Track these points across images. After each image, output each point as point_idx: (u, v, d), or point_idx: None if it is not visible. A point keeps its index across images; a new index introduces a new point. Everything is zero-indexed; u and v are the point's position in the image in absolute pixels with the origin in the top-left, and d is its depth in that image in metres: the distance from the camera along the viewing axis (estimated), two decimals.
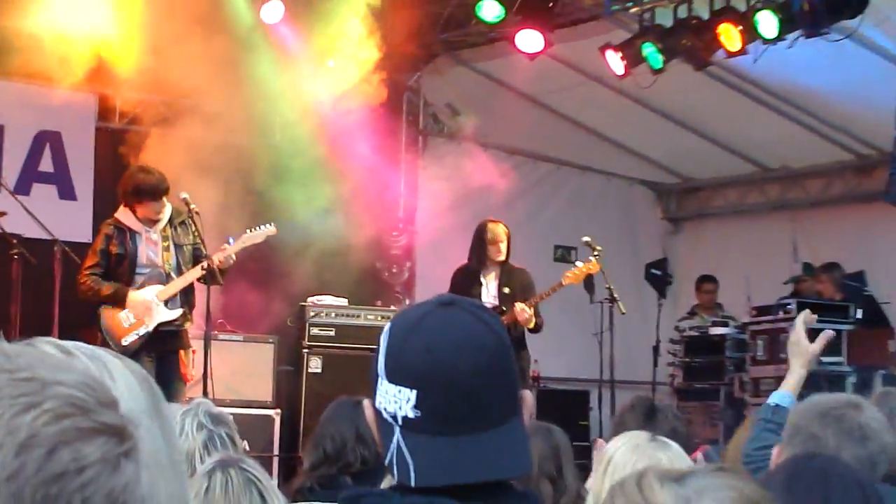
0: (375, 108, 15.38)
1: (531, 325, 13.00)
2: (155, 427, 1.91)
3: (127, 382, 1.93)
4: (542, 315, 13.15)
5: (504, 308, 12.92)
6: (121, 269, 11.73)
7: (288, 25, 14.94)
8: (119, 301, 11.66)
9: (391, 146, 16.48)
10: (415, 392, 2.53)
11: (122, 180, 12.14)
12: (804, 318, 6.04)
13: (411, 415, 2.53)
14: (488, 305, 12.65)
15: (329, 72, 15.01)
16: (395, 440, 2.55)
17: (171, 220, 11.84)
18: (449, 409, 2.52)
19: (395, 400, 2.55)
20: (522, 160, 17.95)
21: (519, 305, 12.89)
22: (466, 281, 13.26)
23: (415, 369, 2.54)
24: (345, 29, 14.63)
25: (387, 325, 2.66)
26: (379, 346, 2.63)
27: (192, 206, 11.75)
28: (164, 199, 11.81)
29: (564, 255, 17.33)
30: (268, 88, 14.84)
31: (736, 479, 1.80)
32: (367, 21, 14.58)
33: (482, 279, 13.27)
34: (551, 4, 14.59)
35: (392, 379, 2.56)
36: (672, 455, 4.39)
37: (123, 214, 11.80)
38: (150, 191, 11.80)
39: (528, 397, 2.70)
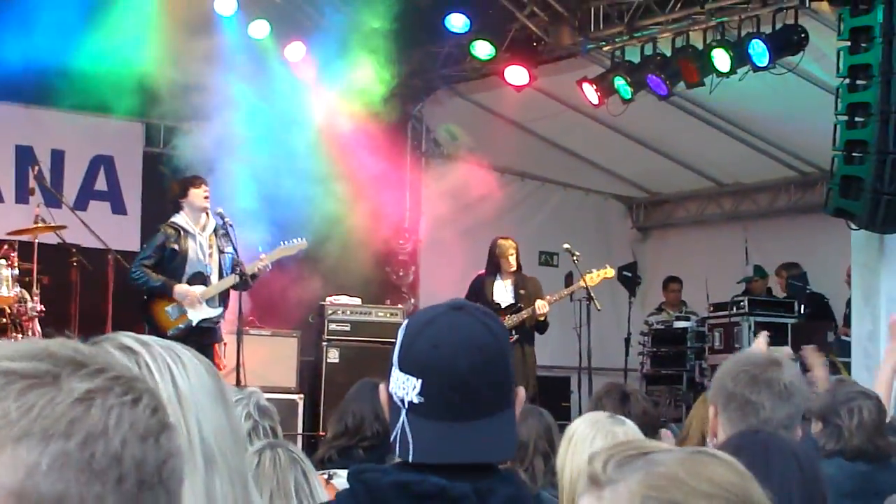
0: (385, 133, 15.42)
1: (542, 318, 13.21)
2: (220, 409, 1.99)
3: (197, 370, 1.97)
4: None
5: (521, 305, 13.18)
6: (174, 263, 11.56)
7: (309, 62, 14.98)
8: (166, 293, 11.52)
9: (398, 166, 16.50)
10: (420, 381, 2.56)
11: (170, 190, 12.14)
12: (763, 341, 6.13)
13: (416, 400, 2.57)
14: (507, 303, 12.89)
15: (345, 102, 15.03)
16: (401, 421, 2.59)
17: (215, 231, 11.78)
18: (447, 398, 2.55)
19: (404, 386, 2.59)
20: (511, 178, 17.96)
21: (540, 302, 13.09)
22: (484, 286, 13.43)
23: (421, 362, 2.58)
24: (358, 65, 14.66)
25: (405, 322, 2.71)
26: (396, 339, 2.67)
27: (227, 219, 11.72)
28: (205, 187, 11.74)
29: (548, 259, 17.35)
30: (291, 115, 14.86)
31: (695, 456, 1.72)
32: (378, 58, 14.61)
33: (500, 284, 13.41)
34: (535, 44, 14.65)
35: (403, 368, 2.60)
36: (626, 429, 4.40)
37: (179, 218, 11.69)
38: (191, 180, 11.89)
39: (521, 393, 2.73)
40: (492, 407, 2.58)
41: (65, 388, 1.21)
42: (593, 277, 13.56)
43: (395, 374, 2.62)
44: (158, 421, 1.28)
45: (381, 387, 2.69)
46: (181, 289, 11.53)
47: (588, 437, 4.31)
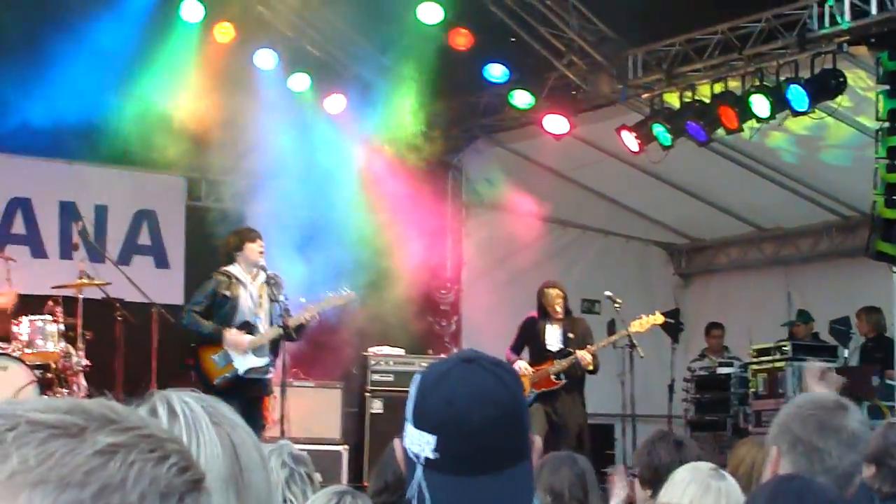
0: (425, 183, 15.49)
1: (591, 367, 13.31)
2: (232, 498, 1.92)
3: (208, 455, 1.91)
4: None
5: (570, 350, 13.26)
6: (224, 310, 11.50)
7: (349, 114, 15.07)
8: (216, 340, 11.44)
9: (439, 216, 16.54)
10: (435, 437, 2.55)
11: (225, 242, 12.02)
12: (812, 371, 6.07)
13: (432, 456, 2.55)
14: (557, 348, 12.85)
15: (385, 153, 15.11)
16: (417, 477, 2.59)
17: (266, 281, 11.75)
18: (463, 453, 2.54)
19: (419, 442, 2.57)
20: (552, 226, 17.96)
21: (581, 352, 13.15)
22: (534, 329, 13.53)
23: (435, 418, 2.56)
24: (398, 117, 14.75)
25: (417, 376, 2.68)
26: (410, 393, 2.67)
27: (270, 273, 11.69)
28: (260, 241, 11.66)
29: (590, 307, 17.28)
30: (332, 167, 14.93)
31: None
32: (418, 109, 14.70)
33: (549, 328, 13.48)
34: (574, 92, 14.69)
35: (417, 424, 2.59)
36: (727, 485, 4.33)
37: (231, 267, 11.63)
38: (247, 233, 11.80)
39: (538, 442, 2.72)
40: (508, 460, 2.57)
41: (88, 441, 1.21)
42: (642, 324, 13.56)
43: (410, 430, 2.61)
44: (186, 481, 1.27)
45: (396, 441, 2.68)
46: (231, 335, 11.46)
47: (684, 481, 4.28)
